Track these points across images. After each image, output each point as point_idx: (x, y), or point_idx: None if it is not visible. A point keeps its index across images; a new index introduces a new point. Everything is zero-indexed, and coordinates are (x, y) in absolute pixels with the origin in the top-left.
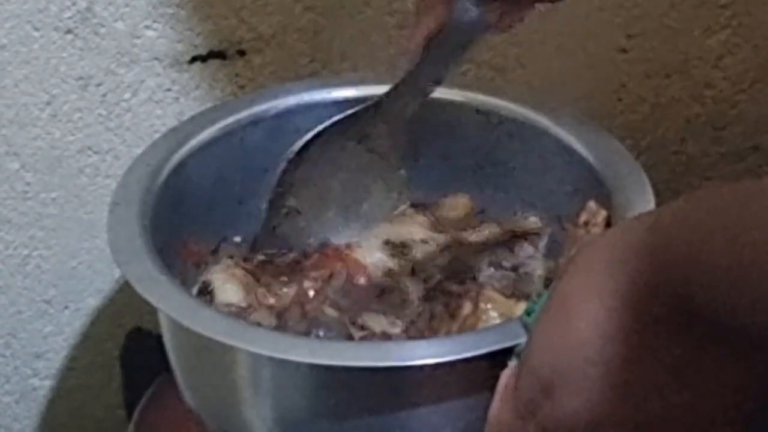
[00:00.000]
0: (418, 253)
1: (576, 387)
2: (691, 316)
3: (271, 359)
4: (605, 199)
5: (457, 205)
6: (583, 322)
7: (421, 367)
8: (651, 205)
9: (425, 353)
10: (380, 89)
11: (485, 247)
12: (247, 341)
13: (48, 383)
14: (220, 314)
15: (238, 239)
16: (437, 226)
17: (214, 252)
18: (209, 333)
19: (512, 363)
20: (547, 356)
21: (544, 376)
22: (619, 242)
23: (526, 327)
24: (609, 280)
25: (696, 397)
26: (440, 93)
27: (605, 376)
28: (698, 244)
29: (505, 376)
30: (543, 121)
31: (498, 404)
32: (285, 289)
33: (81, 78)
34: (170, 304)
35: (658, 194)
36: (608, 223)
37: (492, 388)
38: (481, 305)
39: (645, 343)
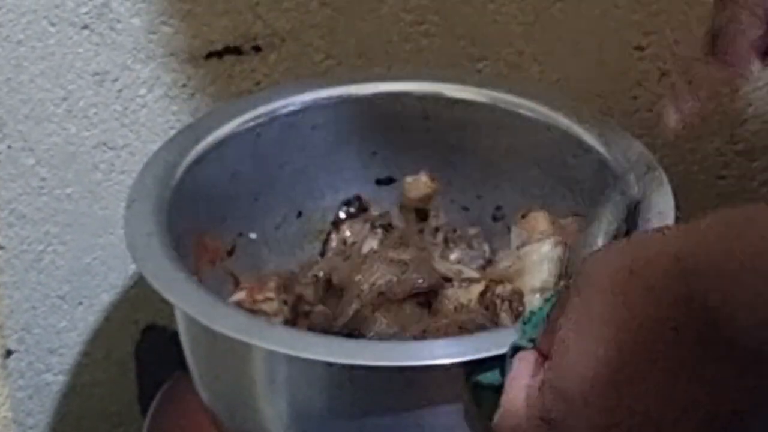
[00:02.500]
0: None
1: (600, 400)
2: (712, 334)
3: (287, 357)
4: (623, 198)
5: (419, 185)
6: (606, 333)
7: (438, 367)
8: (670, 204)
9: (442, 353)
10: (396, 86)
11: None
12: (264, 339)
13: (62, 379)
14: (236, 311)
15: (253, 236)
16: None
17: (230, 252)
18: (226, 330)
19: (526, 346)
20: (569, 374)
21: (567, 391)
22: (643, 257)
23: (524, 335)
24: (632, 302)
25: (715, 414)
26: (454, 90)
27: (628, 389)
28: (721, 266)
29: (521, 363)
30: (561, 119)
31: (513, 395)
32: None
33: (97, 74)
34: (187, 300)
35: (672, 193)
36: None
37: None
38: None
39: (668, 359)
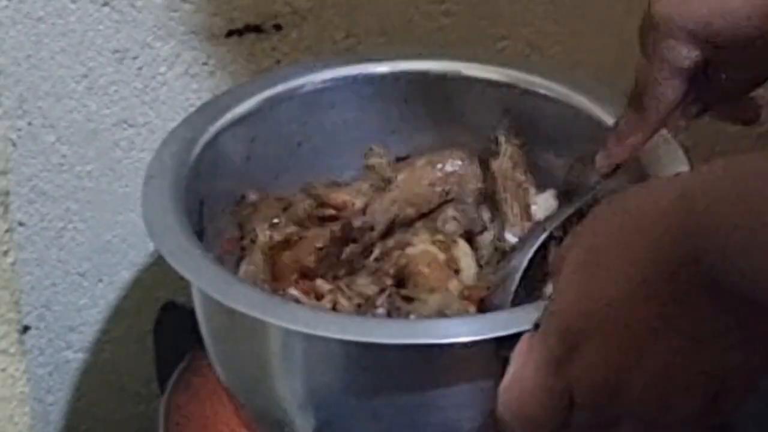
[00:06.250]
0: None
1: (601, 344)
2: (714, 286)
3: (302, 335)
4: (642, 177)
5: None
6: (611, 282)
7: (453, 346)
8: None
9: (457, 331)
10: (416, 65)
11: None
12: (279, 316)
13: (81, 356)
14: (252, 288)
15: None
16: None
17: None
18: (241, 307)
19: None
20: (573, 313)
21: (571, 333)
22: (651, 204)
23: None
24: (639, 242)
25: (713, 358)
26: (475, 70)
27: (629, 336)
28: (726, 215)
29: (524, 340)
30: (580, 99)
31: (520, 364)
32: None
33: (117, 51)
34: (203, 277)
35: None
36: None
37: None
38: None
39: (668, 307)
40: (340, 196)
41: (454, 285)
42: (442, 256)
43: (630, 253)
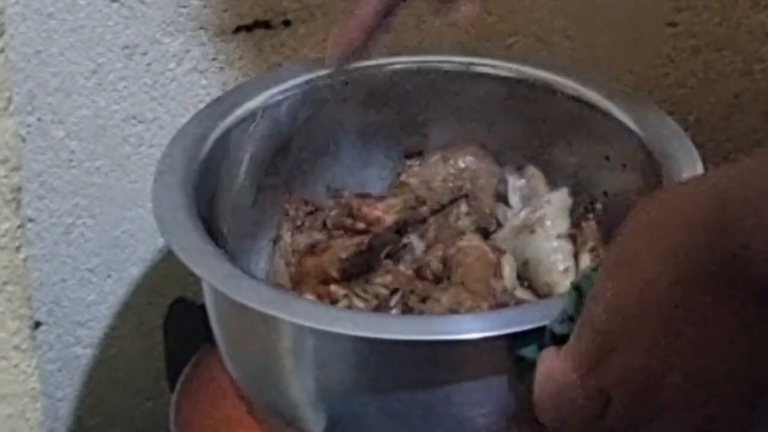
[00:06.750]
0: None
1: (637, 344)
2: (752, 282)
3: (314, 331)
4: (655, 174)
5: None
6: (647, 282)
7: (465, 342)
8: None
9: (469, 328)
10: (425, 60)
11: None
12: (291, 312)
13: (90, 352)
14: (264, 285)
15: None
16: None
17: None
18: (253, 303)
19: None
20: (608, 313)
21: (606, 333)
22: (684, 203)
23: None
24: (673, 241)
25: (751, 356)
26: (486, 65)
27: (666, 335)
28: (761, 210)
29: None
30: (591, 95)
31: (554, 367)
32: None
33: (126, 47)
34: (214, 274)
35: (705, 170)
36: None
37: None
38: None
39: (705, 306)
40: (372, 212)
41: (498, 285)
42: (492, 256)
43: (663, 255)
